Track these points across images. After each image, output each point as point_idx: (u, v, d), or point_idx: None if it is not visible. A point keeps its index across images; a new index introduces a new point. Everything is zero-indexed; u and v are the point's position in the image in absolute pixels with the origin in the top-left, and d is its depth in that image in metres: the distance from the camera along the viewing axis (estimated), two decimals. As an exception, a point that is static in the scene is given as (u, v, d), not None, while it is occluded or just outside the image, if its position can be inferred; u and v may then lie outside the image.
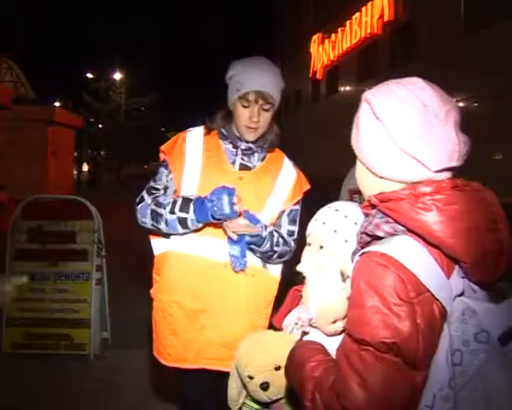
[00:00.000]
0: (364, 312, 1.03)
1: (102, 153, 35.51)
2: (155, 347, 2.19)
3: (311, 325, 1.43)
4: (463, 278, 1.08)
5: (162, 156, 2.17)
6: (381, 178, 1.16)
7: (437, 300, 1.03)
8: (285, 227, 2.16)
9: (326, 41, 17.55)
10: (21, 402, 3.36)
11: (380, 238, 1.12)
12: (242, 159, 2.13)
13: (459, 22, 8.82)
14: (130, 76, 33.52)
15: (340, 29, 15.87)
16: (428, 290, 1.03)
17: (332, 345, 1.31)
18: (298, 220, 2.20)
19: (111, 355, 4.17)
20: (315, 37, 18.65)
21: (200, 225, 2.02)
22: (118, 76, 33.86)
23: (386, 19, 12.49)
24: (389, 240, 1.08)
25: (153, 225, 2.06)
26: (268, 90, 2.02)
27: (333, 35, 16.66)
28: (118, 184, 27.80)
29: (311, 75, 19.02)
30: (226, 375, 1.70)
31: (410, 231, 1.07)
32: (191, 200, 2.00)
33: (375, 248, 1.08)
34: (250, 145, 2.12)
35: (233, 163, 2.12)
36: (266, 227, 2.05)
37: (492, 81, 7.41)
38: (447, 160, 1.09)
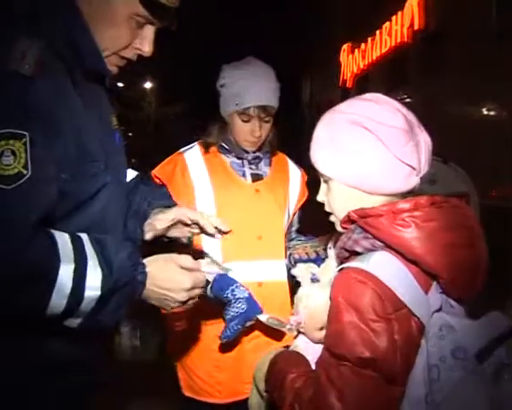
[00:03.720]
0: (343, 327, 1.04)
1: (133, 160, 35.94)
2: (188, 386, 1.94)
3: (298, 331, 1.43)
4: (441, 293, 1.08)
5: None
6: (370, 194, 1.15)
7: (414, 315, 1.03)
8: (295, 227, 2.12)
9: (356, 50, 17.51)
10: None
11: (358, 254, 1.12)
12: (251, 168, 1.97)
13: (490, 32, 8.69)
14: (161, 85, 33.94)
15: (369, 38, 15.82)
16: (406, 306, 1.03)
17: (317, 353, 1.32)
18: None
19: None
20: (344, 46, 18.60)
21: None
22: (148, 85, 34.33)
23: (416, 27, 12.38)
24: (368, 256, 1.08)
25: None
26: (270, 103, 1.88)
27: (362, 44, 16.61)
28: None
29: (340, 84, 18.96)
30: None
31: (389, 247, 1.07)
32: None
33: (354, 264, 1.08)
34: (257, 154, 1.97)
35: (243, 175, 1.96)
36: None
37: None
38: (428, 164, 1.14)
